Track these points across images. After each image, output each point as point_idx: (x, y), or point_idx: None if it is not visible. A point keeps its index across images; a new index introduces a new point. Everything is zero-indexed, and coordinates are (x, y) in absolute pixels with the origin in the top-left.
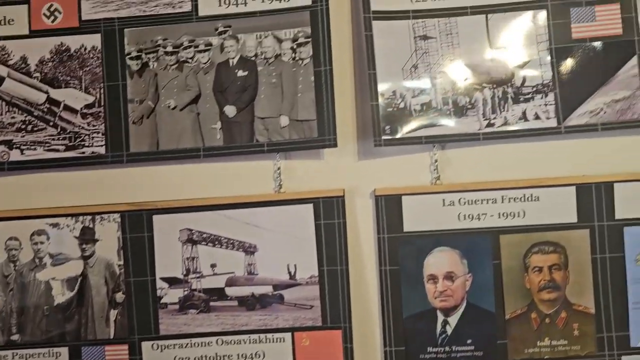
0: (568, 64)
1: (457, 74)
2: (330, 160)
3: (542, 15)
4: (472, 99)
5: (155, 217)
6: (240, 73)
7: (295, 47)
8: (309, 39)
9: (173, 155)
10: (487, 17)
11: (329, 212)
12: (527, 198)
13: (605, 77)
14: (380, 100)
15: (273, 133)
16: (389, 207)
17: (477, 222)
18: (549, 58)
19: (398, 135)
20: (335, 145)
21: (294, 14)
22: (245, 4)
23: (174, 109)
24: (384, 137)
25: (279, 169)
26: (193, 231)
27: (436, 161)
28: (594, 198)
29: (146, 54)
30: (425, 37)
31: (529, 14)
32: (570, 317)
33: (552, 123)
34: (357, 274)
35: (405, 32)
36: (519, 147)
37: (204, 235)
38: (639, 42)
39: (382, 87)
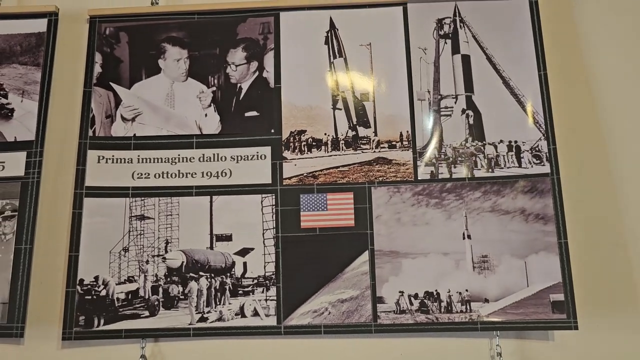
0: (294, 255)
1: (174, 259)
2: (32, 344)
3: (270, 200)
4: (185, 289)
5: None
6: None
7: (0, 220)
8: (16, 213)
9: None
10: (211, 198)
11: None
12: None
13: (333, 272)
14: (79, 287)
15: None
16: None
17: None
18: (274, 248)
19: (94, 328)
20: (21, 336)
21: (5, 184)
22: None
23: None
24: (76, 329)
25: None
26: None
27: (143, 357)
28: None
29: None
30: (142, 217)
31: (256, 198)
32: None
33: (272, 321)
34: None
35: (120, 212)
36: (238, 343)
37: None
38: (372, 235)
39: (83, 271)
